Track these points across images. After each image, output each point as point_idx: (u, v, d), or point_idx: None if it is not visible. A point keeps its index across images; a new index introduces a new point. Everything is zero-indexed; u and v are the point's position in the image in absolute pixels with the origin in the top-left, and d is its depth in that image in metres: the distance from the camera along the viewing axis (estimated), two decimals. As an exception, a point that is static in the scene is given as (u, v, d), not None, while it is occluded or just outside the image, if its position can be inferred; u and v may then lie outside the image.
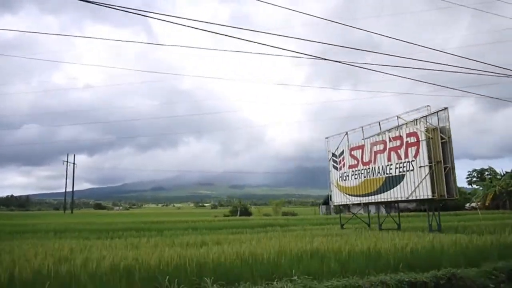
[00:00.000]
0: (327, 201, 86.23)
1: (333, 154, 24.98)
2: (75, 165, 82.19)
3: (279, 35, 11.34)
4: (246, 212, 66.62)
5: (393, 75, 21.17)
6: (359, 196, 22.32)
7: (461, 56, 14.10)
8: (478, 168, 66.06)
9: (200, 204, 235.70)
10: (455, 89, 16.80)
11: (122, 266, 7.63)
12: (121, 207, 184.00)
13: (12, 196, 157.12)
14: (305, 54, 11.24)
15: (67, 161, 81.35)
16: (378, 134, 21.34)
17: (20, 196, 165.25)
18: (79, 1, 7.46)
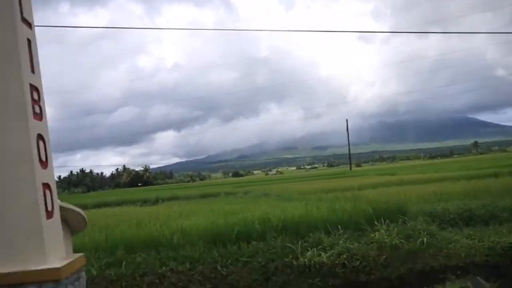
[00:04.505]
0: None
1: None
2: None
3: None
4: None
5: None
6: None
7: None
8: None
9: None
10: None
11: None
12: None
13: (161, 170, 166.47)
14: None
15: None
16: None
17: (164, 170, 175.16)
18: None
